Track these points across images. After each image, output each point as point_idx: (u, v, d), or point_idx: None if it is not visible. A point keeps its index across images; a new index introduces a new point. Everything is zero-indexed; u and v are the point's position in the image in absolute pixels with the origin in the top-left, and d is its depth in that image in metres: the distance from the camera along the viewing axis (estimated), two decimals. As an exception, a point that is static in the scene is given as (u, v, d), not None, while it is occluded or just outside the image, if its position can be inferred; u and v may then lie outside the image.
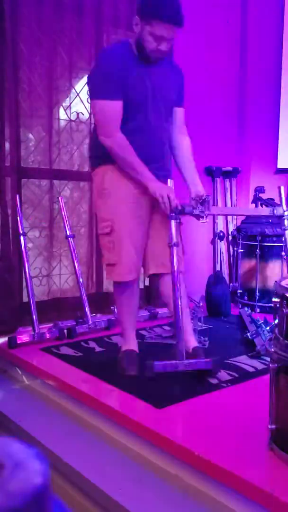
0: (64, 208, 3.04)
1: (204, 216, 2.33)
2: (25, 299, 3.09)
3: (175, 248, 2.19)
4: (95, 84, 2.23)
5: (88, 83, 2.25)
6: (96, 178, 2.38)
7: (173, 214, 2.20)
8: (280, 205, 2.66)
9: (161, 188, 2.20)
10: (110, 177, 2.29)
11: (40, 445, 1.94)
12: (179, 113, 2.46)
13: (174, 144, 2.48)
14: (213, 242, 4.18)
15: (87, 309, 3.03)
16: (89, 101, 2.26)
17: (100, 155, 2.29)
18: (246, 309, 3.46)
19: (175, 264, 2.19)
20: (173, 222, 2.20)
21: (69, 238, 3.03)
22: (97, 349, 2.74)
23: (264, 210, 2.68)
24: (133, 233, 2.29)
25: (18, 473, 0.40)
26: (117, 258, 2.30)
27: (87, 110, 3.36)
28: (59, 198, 3.11)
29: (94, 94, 2.24)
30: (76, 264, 3.03)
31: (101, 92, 2.18)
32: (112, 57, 2.21)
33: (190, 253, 4.01)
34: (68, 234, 3.02)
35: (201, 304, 2.95)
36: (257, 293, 3.60)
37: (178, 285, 2.18)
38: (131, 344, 2.49)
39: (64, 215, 3.02)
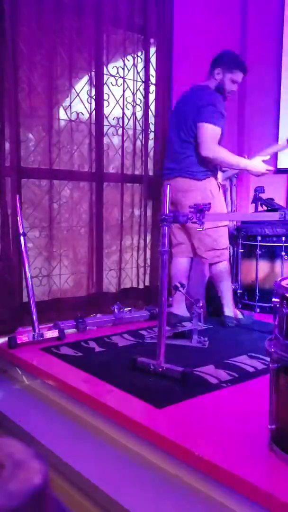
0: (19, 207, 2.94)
1: (200, 224, 2.36)
2: (25, 299, 3.09)
3: (166, 256, 2.22)
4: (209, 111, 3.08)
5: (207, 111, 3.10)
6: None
7: (165, 222, 2.23)
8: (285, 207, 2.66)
9: (257, 166, 3.27)
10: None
11: (40, 445, 1.93)
12: None
13: None
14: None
15: (34, 317, 2.83)
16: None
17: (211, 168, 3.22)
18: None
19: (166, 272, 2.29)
20: (165, 229, 2.22)
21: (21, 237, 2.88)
22: (97, 349, 2.74)
23: (274, 215, 2.64)
24: None
25: (18, 473, 0.40)
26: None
27: (87, 110, 3.36)
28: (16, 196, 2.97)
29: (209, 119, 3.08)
30: (27, 264, 2.88)
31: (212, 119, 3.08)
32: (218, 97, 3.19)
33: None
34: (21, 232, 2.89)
35: (201, 304, 2.95)
36: (257, 293, 3.60)
37: (165, 291, 2.29)
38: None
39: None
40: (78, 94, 3.33)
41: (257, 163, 3.25)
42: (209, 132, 3.06)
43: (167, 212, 2.26)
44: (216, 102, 3.11)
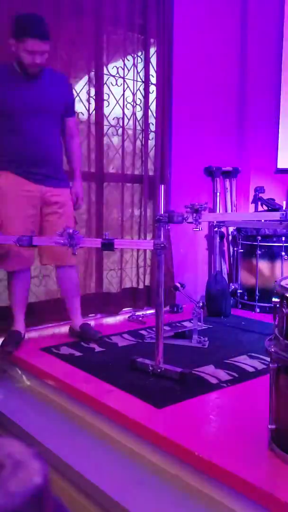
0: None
1: (197, 225, 2.36)
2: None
3: (162, 256, 2.22)
4: None
5: None
6: None
7: (161, 222, 2.23)
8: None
9: None
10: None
11: (40, 445, 1.94)
12: (69, 122, 2.86)
13: (67, 148, 2.90)
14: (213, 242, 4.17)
15: None
16: None
17: None
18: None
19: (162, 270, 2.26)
20: (161, 229, 2.23)
21: None
22: (97, 349, 2.74)
23: (274, 215, 2.66)
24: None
25: (18, 473, 0.40)
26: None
27: (87, 110, 3.36)
28: None
29: None
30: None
31: None
32: None
33: (190, 252, 4.02)
34: None
35: (201, 304, 2.95)
36: (257, 293, 3.60)
37: (162, 292, 2.26)
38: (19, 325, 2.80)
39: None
40: (78, 94, 3.33)
41: None
42: None
43: (162, 212, 2.27)
44: None
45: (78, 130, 2.97)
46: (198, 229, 2.37)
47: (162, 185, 2.31)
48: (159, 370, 2.26)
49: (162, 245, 2.19)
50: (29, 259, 2.74)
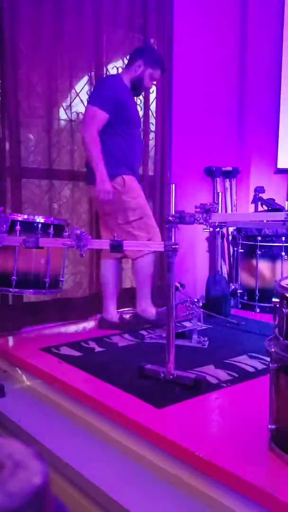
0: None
1: (208, 225, 2.33)
2: (25, 299, 3.09)
3: (174, 257, 2.19)
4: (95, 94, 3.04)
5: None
6: None
7: (172, 223, 2.21)
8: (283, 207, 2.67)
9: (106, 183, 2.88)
10: None
11: (40, 445, 1.93)
12: None
13: None
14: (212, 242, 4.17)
15: None
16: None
17: None
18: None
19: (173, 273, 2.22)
20: (172, 230, 2.21)
21: None
22: (97, 349, 2.74)
23: (279, 215, 2.65)
24: None
25: (18, 473, 0.40)
26: None
27: (87, 110, 3.36)
28: None
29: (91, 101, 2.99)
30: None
31: (96, 101, 2.92)
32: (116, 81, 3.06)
33: (190, 252, 4.02)
34: None
35: (201, 304, 2.94)
36: (257, 293, 3.60)
37: (173, 294, 2.19)
38: None
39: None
40: (78, 94, 3.33)
41: (107, 182, 2.88)
42: (89, 113, 2.91)
43: (173, 212, 2.25)
44: (106, 87, 2.99)
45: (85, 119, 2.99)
46: (208, 230, 2.34)
47: (173, 185, 2.28)
48: (171, 377, 2.17)
49: (174, 246, 2.11)
50: None
